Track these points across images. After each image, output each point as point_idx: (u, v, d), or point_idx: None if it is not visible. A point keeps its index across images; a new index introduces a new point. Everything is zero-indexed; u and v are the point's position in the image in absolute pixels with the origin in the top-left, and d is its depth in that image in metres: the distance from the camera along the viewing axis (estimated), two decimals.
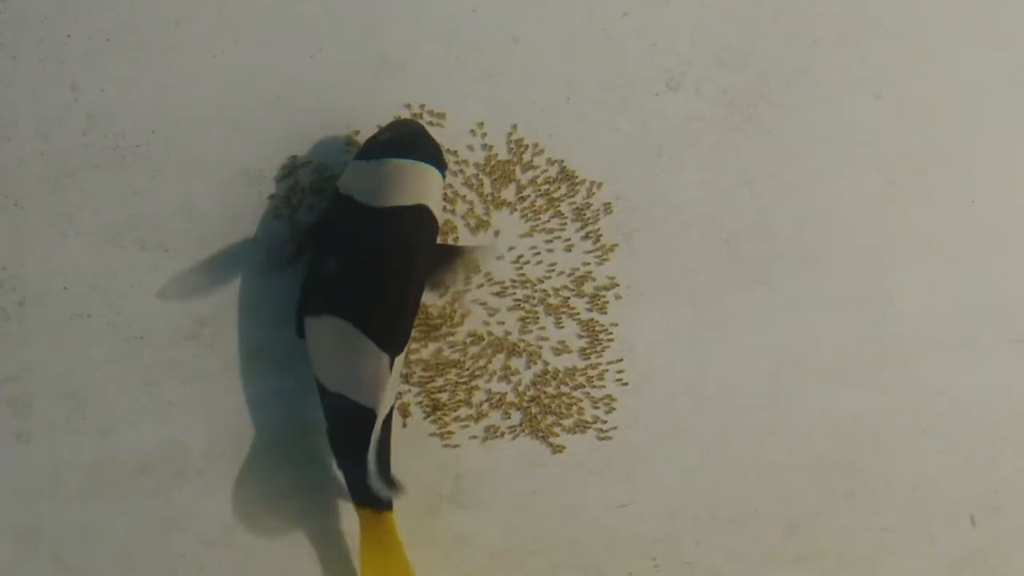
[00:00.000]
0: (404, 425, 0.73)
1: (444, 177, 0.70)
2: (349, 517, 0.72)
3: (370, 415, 0.67)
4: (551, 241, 0.75)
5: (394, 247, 0.68)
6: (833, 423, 0.75)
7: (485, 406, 0.74)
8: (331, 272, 0.68)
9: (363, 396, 0.67)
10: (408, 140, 0.69)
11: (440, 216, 0.70)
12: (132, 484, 0.72)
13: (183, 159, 0.73)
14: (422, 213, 0.68)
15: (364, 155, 0.70)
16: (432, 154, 0.69)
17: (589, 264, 0.75)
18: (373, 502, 0.68)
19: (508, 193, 0.74)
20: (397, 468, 0.73)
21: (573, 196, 0.75)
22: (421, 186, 0.68)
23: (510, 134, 0.74)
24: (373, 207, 0.68)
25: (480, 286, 0.74)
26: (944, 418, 0.76)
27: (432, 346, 0.74)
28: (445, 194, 0.74)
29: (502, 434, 0.74)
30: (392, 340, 0.68)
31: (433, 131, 0.71)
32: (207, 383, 0.72)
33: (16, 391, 0.72)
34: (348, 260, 0.68)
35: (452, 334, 0.74)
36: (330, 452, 0.71)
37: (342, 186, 0.69)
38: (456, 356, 0.74)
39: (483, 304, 0.74)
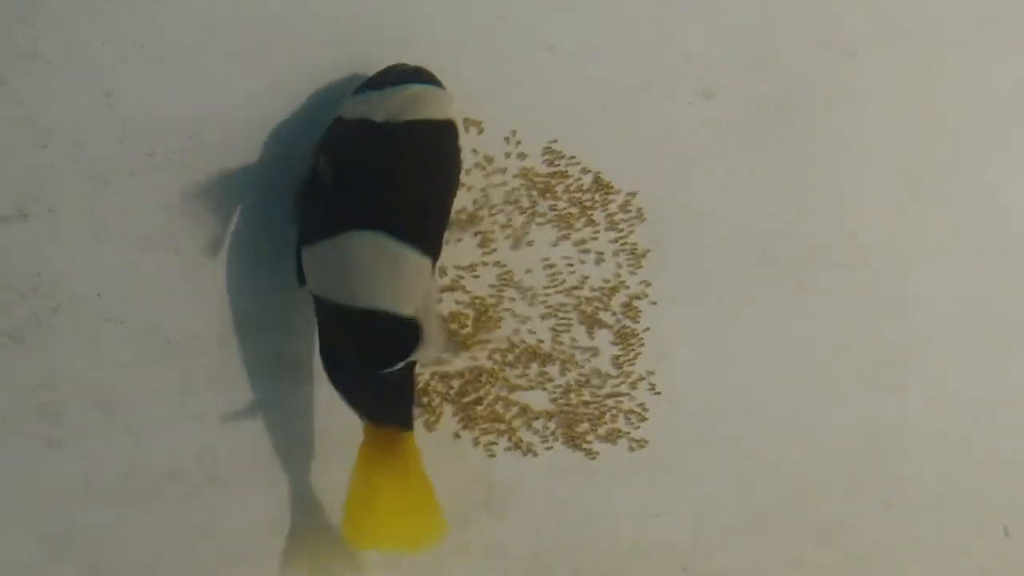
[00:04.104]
0: (430, 431, 0.70)
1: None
2: None
3: (412, 325, 0.61)
4: (584, 249, 0.72)
5: (432, 150, 0.63)
6: (863, 430, 0.72)
7: (518, 415, 0.71)
8: (353, 186, 0.62)
9: (404, 305, 0.61)
10: (424, 72, 0.65)
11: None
12: (162, 490, 0.69)
13: (217, 165, 0.70)
14: (452, 127, 0.63)
15: (374, 86, 0.64)
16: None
17: (621, 272, 0.71)
18: (402, 420, 0.63)
19: (543, 202, 0.71)
20: (431, 476, 0.71)
21: (606, 204, 0.71)
22: (448, 106, 0.64)
23: (547, 147, 0.71)
24: (398, 122, 0.62)
25: (513, 300, 0.72)
26: (975, 426, 0.72)
27: (466, 356, 0.71)
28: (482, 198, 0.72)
29: (535, 443, 0.71)
30: (434, 244, 0.62)
31: (465, 139, 0.67)
32: (239, 390, 0.69)
33: (48, 397, 0.69)
34: (375, 170, 0.62)
35: (487, 342, 0.71)
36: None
37: (348, 113, 0.64)
38: (491, 365, 0.71)
39: (515, 313, 0.71)
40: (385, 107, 0.63)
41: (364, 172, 0.62)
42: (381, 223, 0.61)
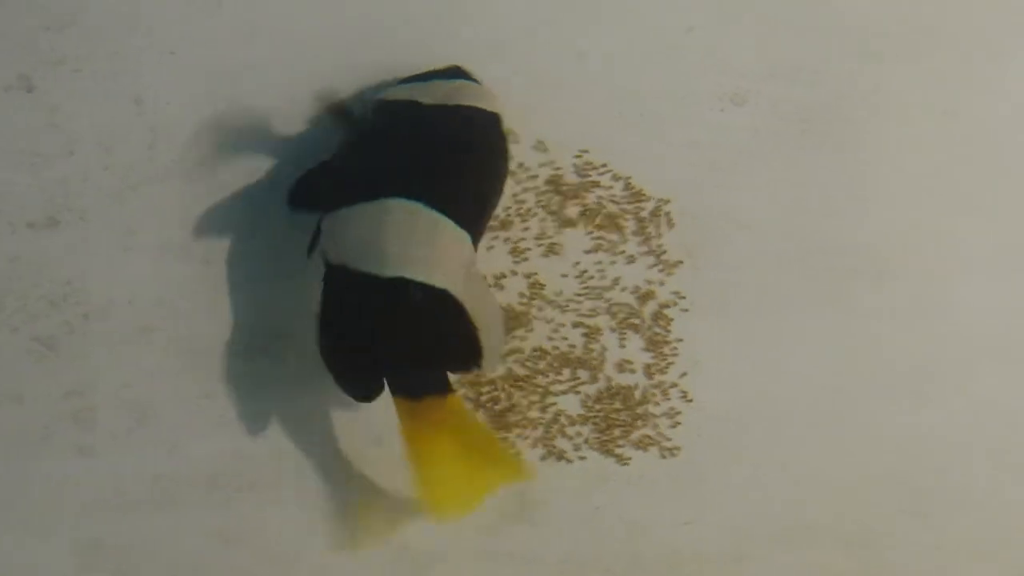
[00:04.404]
0: None
1: None
2: (419, 530, 0.69)
3: (444, 296, 0.58)
4: (615, 257, 0.71)
5: (478, 133, 0.62)
6: (898, 440, 0.71)
7: (551, 422, 0.71)
8: (392, 158, 0.61)
9: (436, 276, 0.58)
10: (469, 72, 0.66)
11: None
12: (196, 497, 0.69)
13: (247, 173, 0.69)
14: (500, 120, 0.64)
15: (420, 79, 0.65)
16: None
17: (653, 280, 0.71)
18: (438, 386, 0.60)
19: (574, 210, 0.71)
20: None
21: (638, 212, 0.71)
22: (495, 102, 0.64)
23: (578, 155, 0.71)
24: (447, 104, 0.62)
25: (543, 308, 0.72)
26: (1008, 436, 0.72)
27: (501, 364, 0.70)
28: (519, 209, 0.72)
29: (567, 450, 0.70)
30: (474, 225, 0.61)
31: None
32: (272, 396, 0.69)
33: (80, 404, 0.69)
34: (417, 144, 0.61)
35: (520, 349, 0.71)
36: (389, 464, 0.68)
37: (392, 95, 0.64)
38: (524, 372, 0.71)
39: (548, 320, 0.71)
40: (433, 93, 0.63)
41: (406, 145, 0.61)
42: (419, 193, 0.59)
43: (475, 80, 0.66)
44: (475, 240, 0.62)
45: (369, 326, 0.60)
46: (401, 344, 0.60)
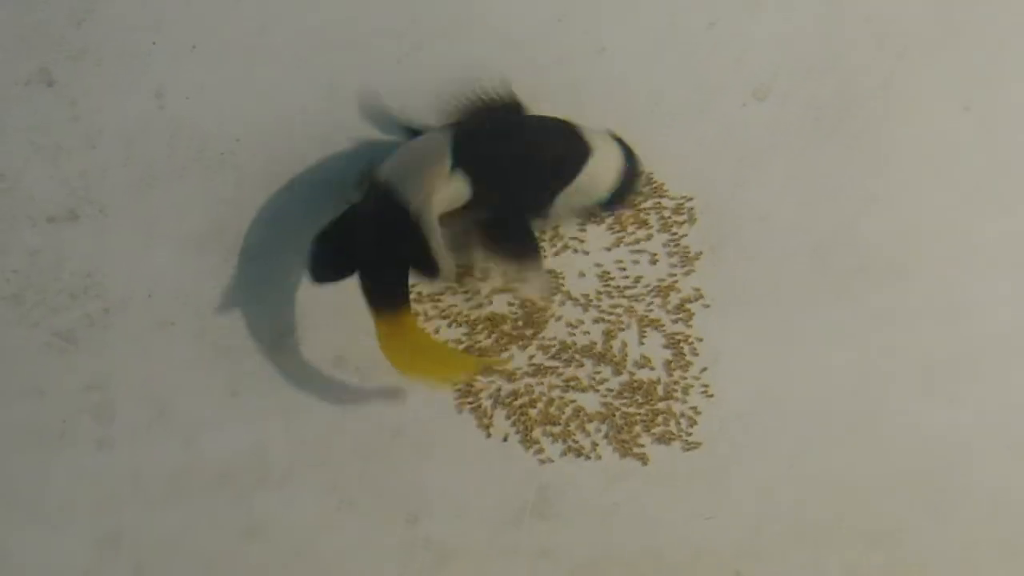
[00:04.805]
0: (488, 435, 0.70)
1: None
2: (435, 527, 0.69)
3: (416, 219, 0.62)
4: (637, 252, 0.71)
5: (558, 150, 0.65)
6: (918, 436, 0.71)
7: (571, 417, 0.70)
8: (492, 129, 0.66)
9: (413, 198, 0.62)
10: (623, 143, 0.68)
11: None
12: (214, 491, 0.69)
13: (267, 167, 0.69)
14: (586, 154, 0.65)
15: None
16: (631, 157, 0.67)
17: (675, 275, 0.71)
18: (392, 304, 0.63)
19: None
20: (482, 478, 0.70)
21: (659, 208, 0.71)
22: (605, 152, 0.66)
23: None
24: (563, 119, 0.66)
25: (564, 303, 0.72)
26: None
27: (523, 355, 0.70)
28: None
29: (586, 445, 0.70)
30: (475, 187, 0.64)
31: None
32: (290, 390, 0.69)
33: (99, 398, 0.69)
34: (518, 133, 0.66)
35: (541, 345, 0.70)
36: (408, 455, 0.69)
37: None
38: (546, 367, 0.70)
39: (569, 317, 0.70)
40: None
41: (508, 127, 0.66)
42: (459, 143, 0.63)
43: (624, 145, 0.67)
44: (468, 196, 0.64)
45: (353, 227, 0.64)
46: (366, 246, 0.63)
